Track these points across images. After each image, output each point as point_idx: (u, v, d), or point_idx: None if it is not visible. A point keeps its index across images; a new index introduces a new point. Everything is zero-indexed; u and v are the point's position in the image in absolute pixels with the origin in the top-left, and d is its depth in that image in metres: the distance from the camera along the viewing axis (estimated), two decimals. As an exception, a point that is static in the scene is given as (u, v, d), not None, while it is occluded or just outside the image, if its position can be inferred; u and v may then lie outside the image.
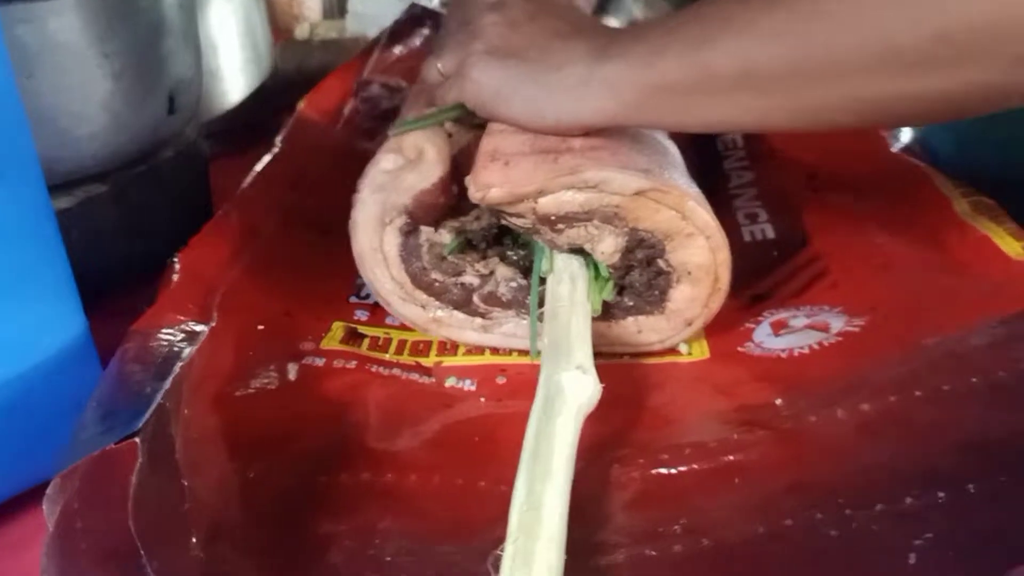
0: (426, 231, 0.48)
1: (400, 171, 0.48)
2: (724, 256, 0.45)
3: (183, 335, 0.43)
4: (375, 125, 0.74)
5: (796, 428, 0.35)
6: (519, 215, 0.45)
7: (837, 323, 0.44)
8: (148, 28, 0.53)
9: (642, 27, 0.42)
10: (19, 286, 0.38)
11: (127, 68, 0.52)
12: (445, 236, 0.48)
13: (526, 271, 0.49)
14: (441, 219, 0.49)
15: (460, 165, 0.48)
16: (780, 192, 0.60)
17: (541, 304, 0.46)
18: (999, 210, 0.50)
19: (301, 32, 0.98)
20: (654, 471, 0.35)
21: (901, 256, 0.49)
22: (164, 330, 0.43)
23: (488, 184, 0.44)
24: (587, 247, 0.45)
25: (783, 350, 0.44)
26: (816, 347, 0.43)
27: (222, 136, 0.77)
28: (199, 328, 0.44)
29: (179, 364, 0.38)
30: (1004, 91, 0.33)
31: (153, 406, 0.35)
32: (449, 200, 0.48)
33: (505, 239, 0.50)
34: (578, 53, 0.43)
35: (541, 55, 0.44)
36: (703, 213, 0.44)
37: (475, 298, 0.49)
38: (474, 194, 0.45)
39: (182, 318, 0.44)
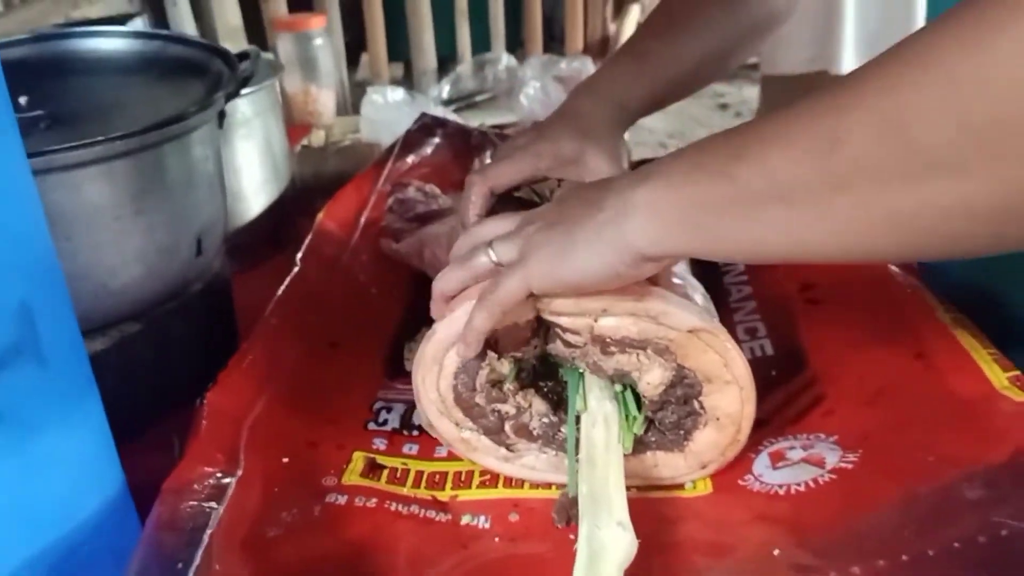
0: (491, 357, 0.50)
1: None
2: (751, 410, 0.48)
3: (212, 491, 0.46)
4: (405, 227, 0.77)
5: (791, 590, 0.37)
6: (575, 332, 0.48)
7: (832, 457, 0.47)
8: (178, 184, 0.57)
9: (682, 149, 0.41)
10: (61, 451, 0.42)
11: (158, 223, 0.55)
12: (505, 365, 0.50)
13: (556, 406, 0.51)
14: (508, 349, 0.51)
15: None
16: (778, 305, 0.63)
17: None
18: (977, 329, 0.53)
19: (317, 140, 1.02)
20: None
21: (893, 378, 0.51)
22: (194, 487, 0.46)
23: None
24: (635, 375, 0.48)
25: (780, 486, 0.46)
26: (812, 484, 0.45)
27: (243, 249, 0.81)
28: (227, 480, 0.47)
29: (208, 532, 0.41)
30: None
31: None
32: (530, 334, 0.50)
33: (540, 374, 0.52)
34: (619, 186, 0.43)
35: (585, 206, 0.44)
36: (742, 365, 0.47)
37: (507, 427, 0.51)
38: (542, 298, 0.46)
39: (210, 470, 0.47)
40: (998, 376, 0.48)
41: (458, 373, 0.50)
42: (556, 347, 0.49)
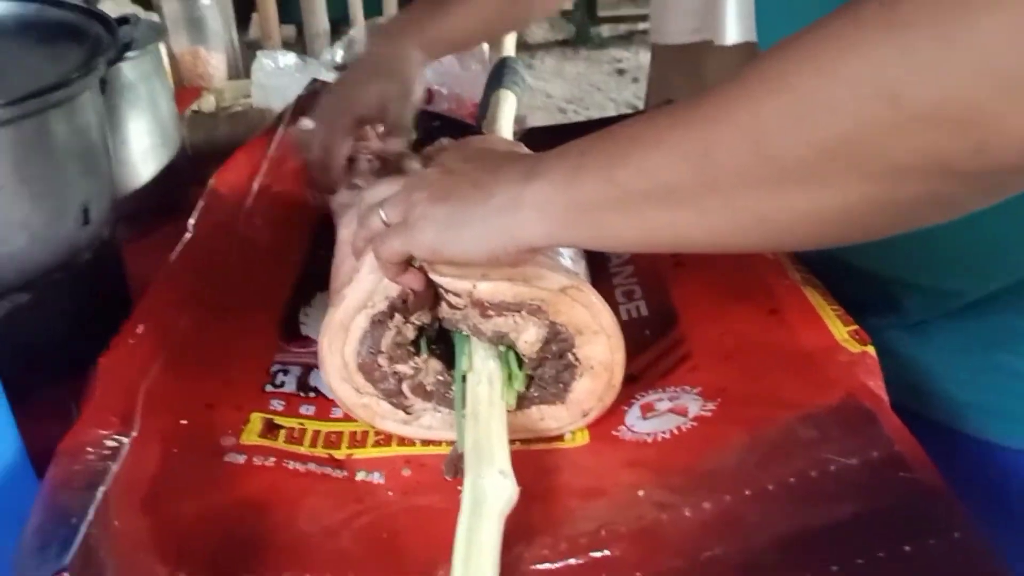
0: (397, 319, 0.53)
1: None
2: (620, 357, 0.52)
3: (107, 451, 0.47)
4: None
5: (652, 525, 0.42)
6: (456, 294, 0.51)
7: (694, 407, 0.52)
8: (62, 152, 0.56)
9: (564, 147, 0.44)
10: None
11: (42, 192, 0.55)
12: (410, 330, 0.53)
13: (450, 366, 0.54)
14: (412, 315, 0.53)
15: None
16: (651, 269, 0.67)
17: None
18: (824, 288, 0.59)
19: (207, 105, 1.01)
20: (536, 567, 0.42)
21: (749, 334, 0.57)
22: (88, 449, 0.47)
23: None
24: (512, 336, 0.52)
25: (649, 434, 0.51)
26: (675, 432, 0.50)
27: (133, 217, 0.80)
28: (123, 440, 0.48)
29: (102, 488, 0.43)
30: (897, 206, 0.34)
31: (79, 537, 0.39)
32: (434, 299, 0.53)
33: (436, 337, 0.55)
34: (508, 178, 0.45)
35: (475, 189, 0.46)
36: (607, 316, 0.52)
37: (404, 387, 0.54)
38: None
39: (104, 432, 0.48)
40: (839, 330, 0.54)
41: (363, 338, 0.53)
42: (443, 310, 0.52)
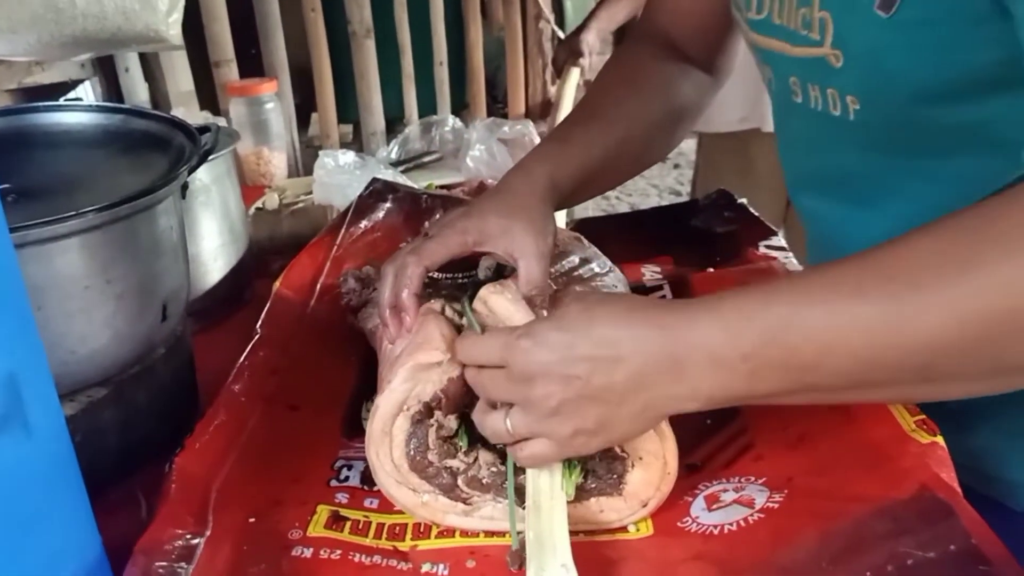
0: (438, 415, 0.54)
1: (436, 365, 0.54)
2: (671, 444, 0.52)
3: (183, 551, 0.48)
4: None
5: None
6: None
7: (760, 498, 0.51)
8: (145, 253, 0.60)
9: (714, 321, 0.44)
10: (42, 515, 0.43)
11: (126, 291, 0.58)
12: (452, 421, 0.54)
13: (503, 456, 0.55)
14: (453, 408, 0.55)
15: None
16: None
17: (516, 489, 0.52)
18: None
19: (271, 202, 1.05)
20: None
21: (814, 424, 0.56)
22: (165, 547, 0.48)
23: None
24: None
25: (715, 526, 0.50)
26: (742, 523, 0.50)
27: (202, 311, 0.83)
28: (196, 541, 0.50)
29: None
30: None
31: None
32: (468, 390, 0.54)
33: None
34: (657, 386, 0.45)
35: (620, 405, 0.46)
36: None
37: (459, 481, 0.55)
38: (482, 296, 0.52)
39: (180, 531, 0.50)
40: (906, 420, 0.53)
41: (408, 439, 0.54)
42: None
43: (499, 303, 0.55)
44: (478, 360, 0.51)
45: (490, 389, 0.50)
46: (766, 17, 0.60)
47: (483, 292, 0.56)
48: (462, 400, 0.54)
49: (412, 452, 0.54)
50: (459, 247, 0.60)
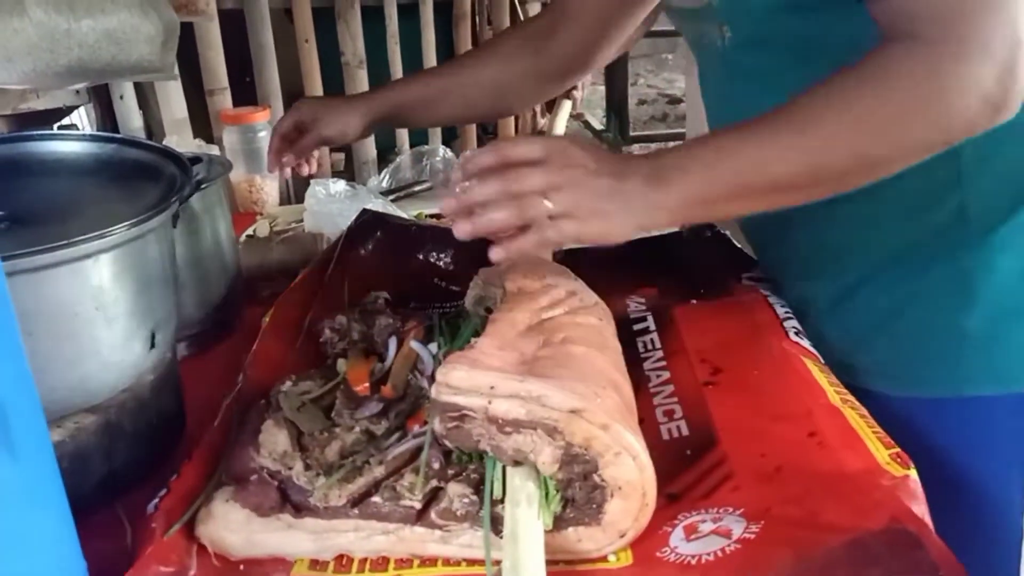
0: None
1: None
2: (650, 475, 0.53)
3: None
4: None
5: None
6: (471, 412, 0.53)
7: (737, 528, 0.52)
8: (136, 281, 0.60)
9: (684, 155, 0.63)
10: (28, 540, 0.44)
11: (115, 319, 0.59)
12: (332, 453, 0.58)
13: (476, 487, 0.55)
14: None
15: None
16: (692, 389, 0.69)
17: (493, 519, 0.53)
18: (864, 409, 0.60)
19: (262, 230, 1.06)
20: None
21: (790, 456, 0.57)
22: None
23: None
24: (531, 456, 0.53)
25: (693, 556, 0.51)
26: (720, 554, 0.50)
27: (190, 337, 0.84)
28: None
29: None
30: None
31: None
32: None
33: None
34: (635, 185, 0.61)
35: (612, 196, 0.61)
36: (627, 435, 0.52)
37: (432, 514, 0.55)
38: (439, 377, 0.54)
39: (164, 570, 0.51)
40: (881, 452, 0.55)
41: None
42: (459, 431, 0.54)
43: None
44: (524, 156, 0.62)
45: (530, 178, 0.61)
46: None
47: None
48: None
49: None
50: (292, 121, 0.94)
